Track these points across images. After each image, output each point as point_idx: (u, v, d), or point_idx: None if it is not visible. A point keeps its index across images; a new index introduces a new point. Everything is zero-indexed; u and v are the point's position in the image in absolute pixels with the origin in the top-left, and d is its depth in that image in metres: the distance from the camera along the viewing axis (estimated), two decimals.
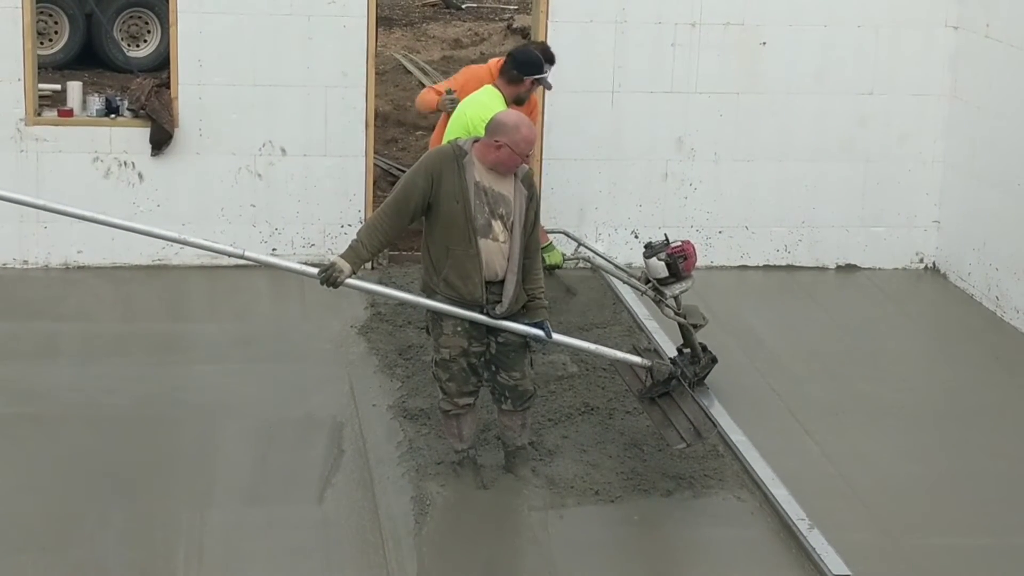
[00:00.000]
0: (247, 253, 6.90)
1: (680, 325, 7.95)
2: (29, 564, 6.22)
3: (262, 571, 6.25)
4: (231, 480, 6.98)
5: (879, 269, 10.45)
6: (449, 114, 8.42)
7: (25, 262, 9.70)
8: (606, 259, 8.65)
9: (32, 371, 8.14)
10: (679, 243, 7.91)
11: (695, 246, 8.01)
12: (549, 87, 8.61)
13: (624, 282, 8.54)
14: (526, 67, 8.12)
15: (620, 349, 7.55)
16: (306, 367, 8.30)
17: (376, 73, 10.04)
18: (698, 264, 10.10)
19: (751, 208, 10.29)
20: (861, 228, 10.41)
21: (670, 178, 10.17)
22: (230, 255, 6.96)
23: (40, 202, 7.20)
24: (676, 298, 7.92)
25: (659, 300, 7.94)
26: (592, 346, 7.29)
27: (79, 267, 9.72)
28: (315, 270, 6.74)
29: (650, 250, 7.92)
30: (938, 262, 10.48)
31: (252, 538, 6.49)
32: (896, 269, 10.48)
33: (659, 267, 7.85)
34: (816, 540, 6.52)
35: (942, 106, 10.26)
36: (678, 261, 7.84)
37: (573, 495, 6.91)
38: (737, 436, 7.47)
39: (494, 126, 6.67)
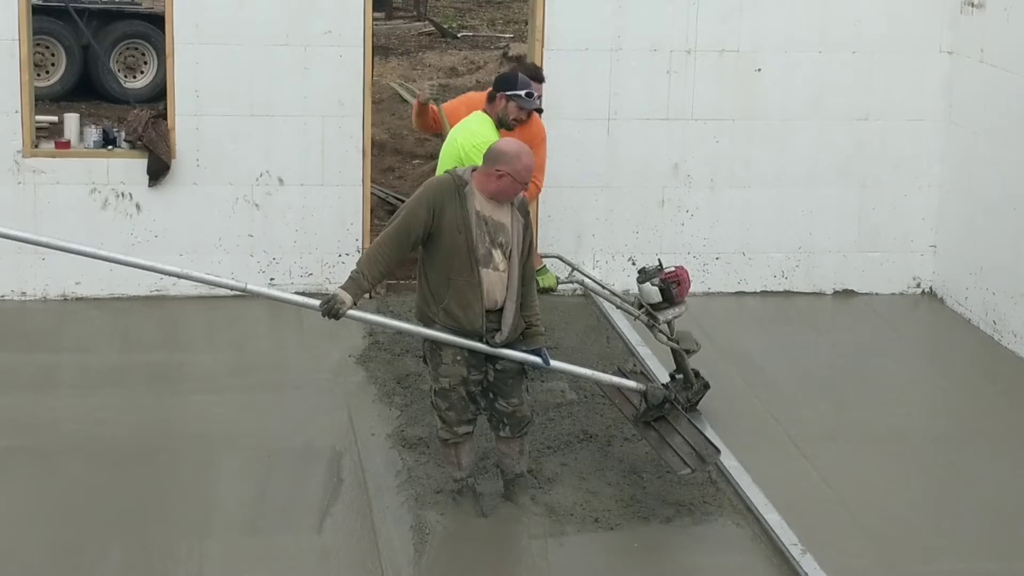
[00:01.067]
0: (249, 286, 6.90)
1: (673, 351, 7.95)
2: None
3: None
4: (230, 510, 6.97)
5: (876, 294, 10.47)
6: (434, 103, 8.50)
7: (23, 294, 9.71)
8: (600, 284, 8.66)
9: (31, 403, 8.13)
10: (673, 268, 7.92)
11: (689, 272, 8.02)
12: (535, 108, 8.35)
13: (617, 307, 8.55)
14: (499, 84, 8.06)
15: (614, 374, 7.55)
16: (304, 396, 8.30)
17: (373, 102, 10.06)
18: (695, 290, 10.16)
19: (748, 234, 10.31)
20: (858, 253, 10.43)
21: (667, 204, 10.20)
22: (232, 288, 6.96)
23: (43, 239, 7.18)
24: (669, 323, 7.93)
25: (652, 325, 7.95)
26: (590, 372, 7.29)
27: (77, 298, 9.72)
28: (316, 302, 6.75)
29: (644, 275, 7.93)
30: (935, 287, 10.49)
31: (251, 568, 6.47)
32: (893, 294, 10.49)
33: (652, 292, 7.86)
34: (808, 565, 6.51)
35: (937, 131, 10.29)
36: (671, 287, 7.86)
37: (573, 523, 6.90)
38: (730, 462, 7.46)
39: (494, 155, 6.69)
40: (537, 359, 6.81)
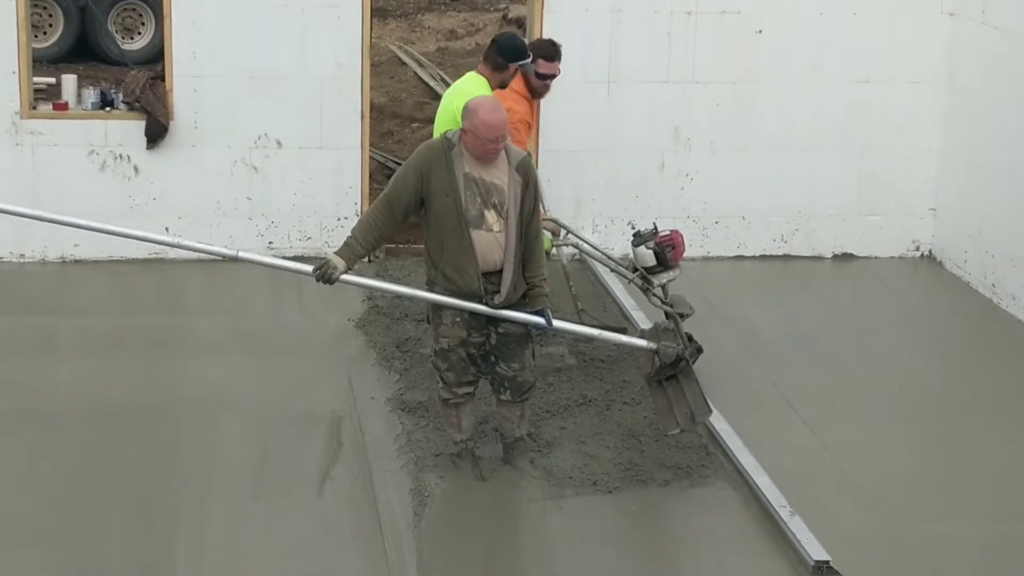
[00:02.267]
0: (241, 254, 6.91)
1: (666, 314, 7.94)
2: (29, 559, 6.23)
3: (262, 564, 6.26)
4: (231, 474, 6.99)
5: (875, 258, 10.46)
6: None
7: (22, 256, 9.70)
8: (594, 247, 8.64)
9: (30, 366, 8.14)
10: (667, 232, 7.91)
11: (685, 236, 8.01)
12: (552, 76, 8.34)
13: (612, 270, 8.54)
14: (510, 53, 7.97)
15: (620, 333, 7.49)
16: (304, 361, 8.31)
17: (371, 65, 10.02)
18: (694, 255, 10.17)
19: (747, 198, 10.29)
20: (857, 217, 10.42)
21: (666, 169, 10.17)
22: (224, 256, 6.96)
23: (36, 213, 7.33)
24: (663, 287, 7.92)
25: (646, 289, 7.95)
26: (595, 331, 7.27)
27: (76, 261, 9.71)
28: (309, 267, 6.75)
29: (638, 239, 7.92)
30: (934, 250, 10.49)
31: (252, 531, 6.50)
32: (892, 258, 10.49)
33: (647, 256, 7.86)
34: (797, 527, 6.53)
35: (938, 94, 10.26)
36: (666, 250, 7.85)
37: (571, 486, 6.92)
38: (722, 425, 7.45)
39: (463, 112, 6.67)
40: (540, 320, 6.80)
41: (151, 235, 7.14)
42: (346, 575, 6.21)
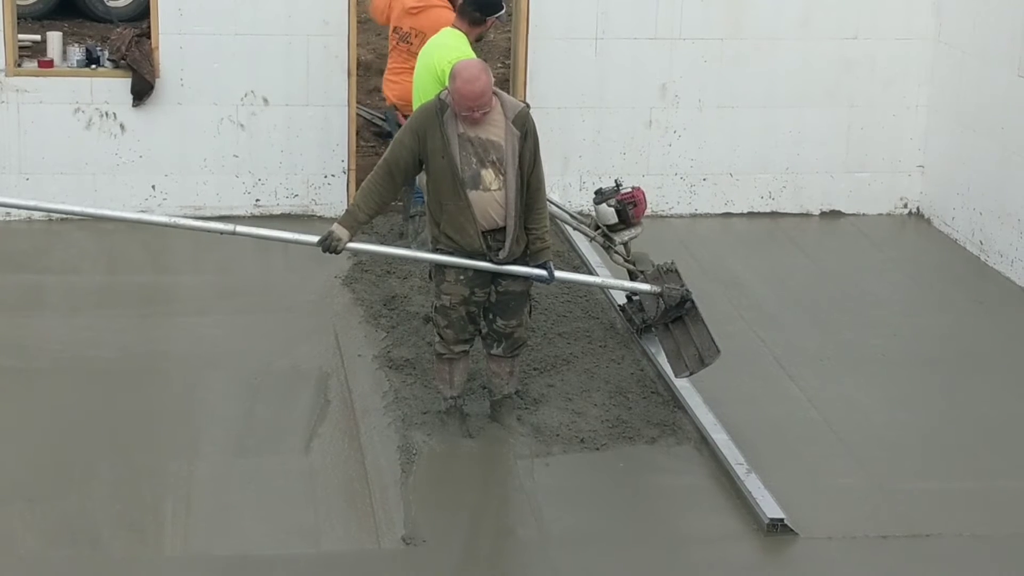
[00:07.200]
0: (238, 229, 6.93)
1: (629, 272, 7.93)
2: (16, 516, 6.23)
3: (249, 522, 6.27)
4: (218, 431, 7.00)
5: (863, 215, 10.46)
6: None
7: (8, 215, 9.66)
8: (557, 205, 8.63)
9: (17, 324, 8.13)
10: (630, 190, 7.90)
11: (646, 192, 8.00)
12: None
13: (574, 228, 8.52)
14: (488, 8, 7.99)
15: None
16: (291, 318, 8.30)
17: (358, 21, 9.98)
18: (683, 212, 10.16)
19: (735, 155, 10.27)
20: (845, 174, 10.41)
21: (654, 125, 10.15)
22: (223, 233, 6.97)
23: (32, 203, 7.60)
24: (625, 245, 7.91)
25: (608, 247, 7.93)
26: (598, 279, 7.26)
27: (62, 219, 9.68)
28: (315, 238, 6.74)
29: (600, 196, 7.92)
30: (922, 207, 10.49)
31: (239, 489, 6.51)
32: (880, 215, 10.49)
33: (609, 213, 7.85)
34: (753, 484, 6.53)
35: (927, 50, 10.23)
36: (628, 208, 7.84)
37: (559, 443, 6.94)
38: (682, 383, 7.38)
39: (449, 75, 6.63)
40: (542, 272, 6.79)
41: (148, 217, 7.20)
42: (333, 532, 6.22)
